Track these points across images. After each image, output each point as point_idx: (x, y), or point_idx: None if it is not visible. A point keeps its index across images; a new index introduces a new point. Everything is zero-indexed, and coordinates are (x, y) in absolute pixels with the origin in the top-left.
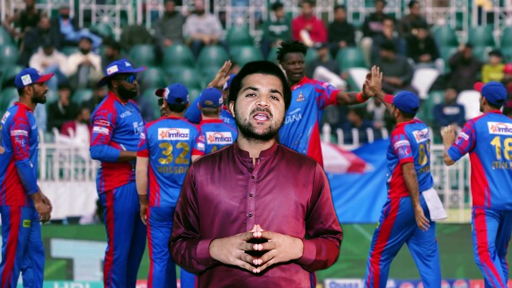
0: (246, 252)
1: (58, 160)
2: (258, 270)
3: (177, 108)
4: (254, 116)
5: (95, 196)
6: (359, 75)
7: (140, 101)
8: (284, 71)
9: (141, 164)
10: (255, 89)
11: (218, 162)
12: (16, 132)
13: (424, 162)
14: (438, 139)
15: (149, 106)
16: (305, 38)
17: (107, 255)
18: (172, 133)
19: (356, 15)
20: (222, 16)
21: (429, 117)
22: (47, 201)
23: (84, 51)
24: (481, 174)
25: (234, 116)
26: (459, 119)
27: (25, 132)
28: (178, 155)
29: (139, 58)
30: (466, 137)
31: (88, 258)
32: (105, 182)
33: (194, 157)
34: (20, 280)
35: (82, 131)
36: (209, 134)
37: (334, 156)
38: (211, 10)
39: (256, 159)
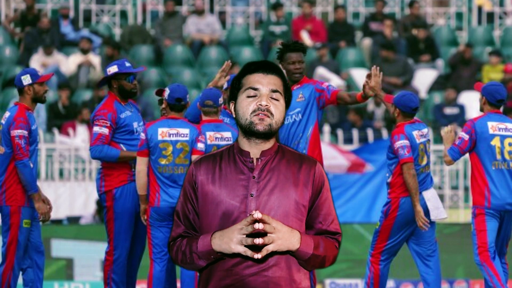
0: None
1: (58, 160)
2: (259, 255)
3: (177, 108)
4: (255, 116)
5: (95, 196)
6: (359, 75)
7: (140, 101)
8: (284, 71)
9: (141, 164)
10: (255, 89)
11: (219, 162)
12: (16, 132)
13: (424, 162)
14: (438, 139)
15: (149, 106)
16: (305, 38)
17: (107, 255)
18: (172, 133)
19: (356, 15)
20: (222, 16)
21: (429, 117)
22: (47, 201)
23: (84, 51)
24: (481, 174)
25: (234, 116)
26: (459, 119)
27: (25, 132)
28: (178, 155)
29: (139, 58)
30: (466, 137)
31: (88, 258)
32: (105, 182)
33: (194, 157)
34: (20, 280)
35: (82, 131)
36: (209, 134)
37: (334, 156)
38: (211, 10)
39: (257, 159)
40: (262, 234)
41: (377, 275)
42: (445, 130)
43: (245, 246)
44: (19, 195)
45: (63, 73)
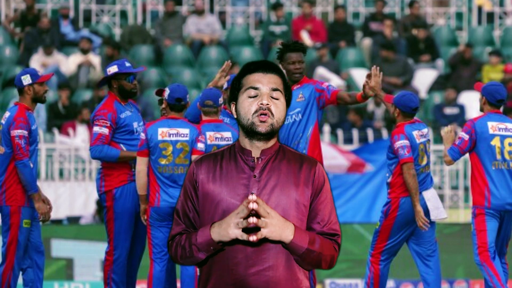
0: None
1: (58, 160)
2: (254, 237)
3: (177, 108)
4: (257, 116)
5: (95, 196)
6: (359, 75)
7: (140, 101)
8: (284, 71)
9: (141, 164)
10: (256, 88)
11: (220, 161)
12: (16, 132)
13: (424, 162)
14: (438, 139)
15: (149, 106)
16: (305, 38)
17: (107, 255)
18: (172, 133)
19: (356, 15)
20: (222, 16)
21: (429, 117)
22: (47, 201)
23: (84, 51)
24: (481, 174)
25: (235, 116)
26: (459, 119)
27: (25, 132)
28: (178, 155)
29: (139, 58)
30: (466, 137)
31: (88, 258)
32: (105, 182)
33: (194, 157)
34: (20, 280)
35: (82, 131)
36: (209, 134)
37: (334, 156)
38: (211, 10)
39: (258, 158)
40: (258, 217)
41: (377, 275)
42: (445, 130)
43: (242, 230)
44: (19, 195)
45: (63, 73)
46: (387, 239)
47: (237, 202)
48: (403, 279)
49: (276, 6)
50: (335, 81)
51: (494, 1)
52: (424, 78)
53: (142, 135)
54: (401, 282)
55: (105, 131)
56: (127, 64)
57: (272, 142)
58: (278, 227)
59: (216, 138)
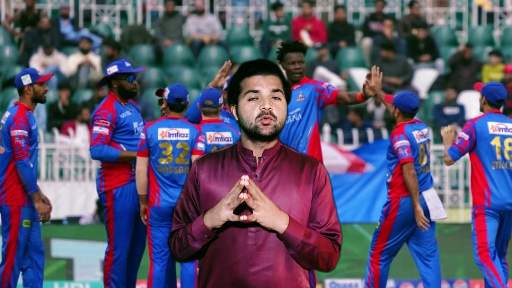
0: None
1: (58, 160)
2: (245, 217)
3: (177, 108)
4: (260, 120)
5: (95, 196)
6: (359, 75)
7: (140, 101)
8: (284, 71)
9: (141, 164)
10: (256, 91)
11: (221, 160)
12: (16, 132)
13: (424, 162)
14: (438, 139)
15: (149, 106)
16: (305, 38)
17: (107, 255)
18: (172, 133)
19: (356, 15)
20: (222, 16)
21: (429, 117)
22: (47, 201)
23: (84, 51)
24: (481, 174)
25: (237, 119)
26: (459, 119)
27: (25, 132)
28: (178, 155)
29: (139, 58)
30: (466, 137)
31: (88, 258)
32: (105, 182)
33: (194, 157)
34: (20, 280)
35: (82, 131)
36: (209, 134)
37: (334, 156)
38: (211, 10)
39: (259, 158)
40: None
41: (377, 275)
42: (445, 130)
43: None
44: (19, 195)
45: (63, 73)
46: (387, 239)
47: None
48: (403, 279)
49: (276, 6)
50: (335, 81)
51: (494, 1)
52: (424, 78)
53: (142, 135)
54: (401, 282)
55: (105, 131)
56: (127, 64)
57: (274, 142)
58: (271, 213)
59: (216, 138)
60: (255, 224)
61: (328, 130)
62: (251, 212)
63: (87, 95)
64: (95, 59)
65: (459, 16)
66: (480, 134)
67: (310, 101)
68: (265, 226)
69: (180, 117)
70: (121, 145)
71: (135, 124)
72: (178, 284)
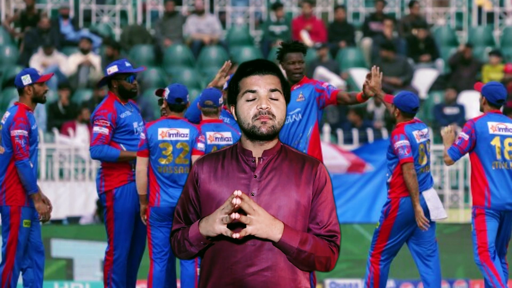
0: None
1: (58, 160)
2: (237, 235)
3: (177, 108)
4: (257, 120)
5: (95, 196)
6: (359, 75)
7: (140, 101)
8: (284, 71)
9: (141, 164)
10: (253, 91)
11: (221, 161)
12: (16, 132)
13: (424, 162)
14: (438, 139)
15: (149, 106)
16: (305, 38)
17: (107, 255)
18: (172, 133)
19: (356, 15)
20: (222, 16)
21: (429, 117)
22: (47, 201)
23: (84, 51)
24: (481, 174)
25: (236, 119)
26: (459, 119)
27: (25, 132)
28: (178, 155)
29: (139, 58)
30: (466, 137)
31: (88, 258)
32: (105, 182)
33: (194, 157)
34: (20, 280)
35: (82, 131)
36: (209, 134)
37: (334, 156)
38: (211, 10)
39: (259, 158)
40: (244, 214)
41: (377, 275)
42: (445, 130)
43: (228, 226)
44: (19, 195)
45: (63, 73)
46: (387, 239)
47: None
48: (403, 279)
49: (276, 6)
50: (335, 81)
51: (494, 1)
52: (424, 78)
53: (142, 135)
54: (401, 282)
55: (105, 131)
56: (127, 64)
57: (273, 142)
58: (265, 225)
59: (216, 138)
60: (250, 237)
61: (328, 130)
62: (245, 225)
63: (87, 95)
64: (95, 59)
65: (459, 16)
66: (480, 134)
67: (310, 101)
68: (259, 237)
69: (180, 117)
70: (121, 145)
71: (135, 124)
72: (178, 284)
